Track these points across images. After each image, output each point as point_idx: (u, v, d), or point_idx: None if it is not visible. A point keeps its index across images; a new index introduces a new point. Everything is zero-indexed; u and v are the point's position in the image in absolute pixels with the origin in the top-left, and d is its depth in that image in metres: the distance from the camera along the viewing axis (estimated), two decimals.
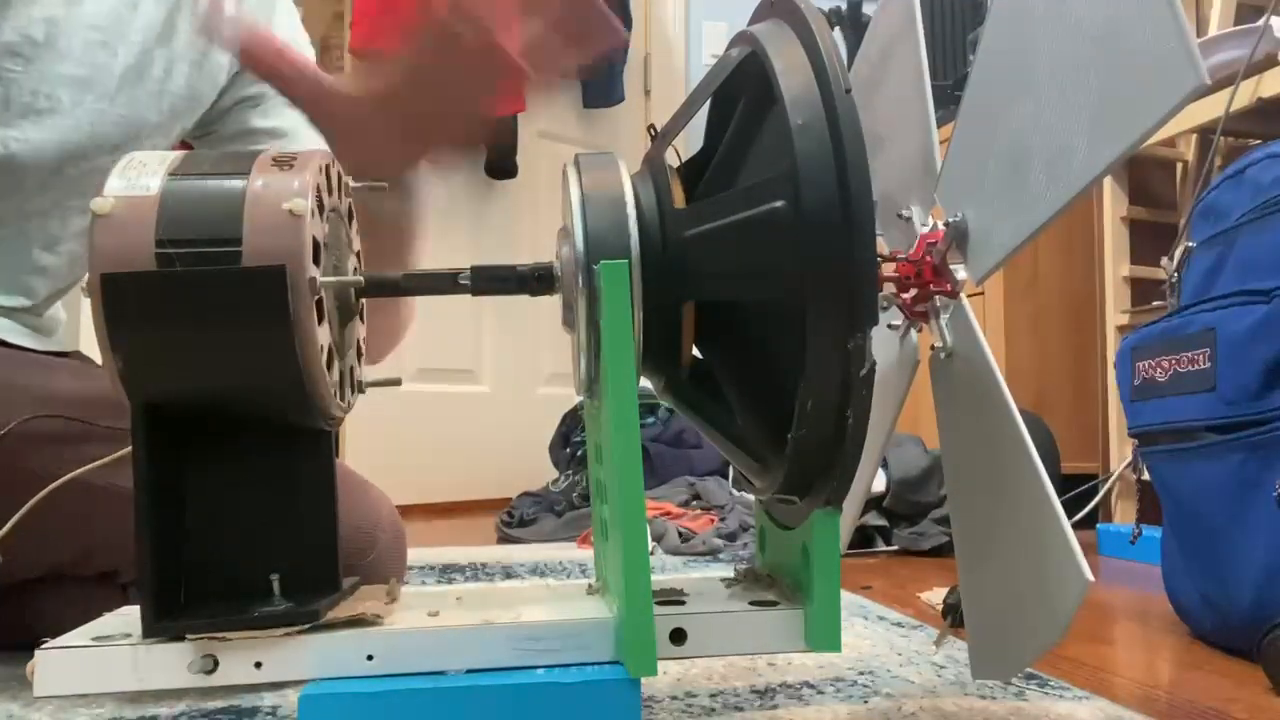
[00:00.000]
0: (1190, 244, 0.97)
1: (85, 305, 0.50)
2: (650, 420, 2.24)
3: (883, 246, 0.63)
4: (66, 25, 0.84)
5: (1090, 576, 0.47)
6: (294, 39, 0.99)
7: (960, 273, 0.57)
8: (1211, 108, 1.50)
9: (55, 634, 0.53)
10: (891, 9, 0.68)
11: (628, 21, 2.89)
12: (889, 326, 0.64)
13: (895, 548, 1.58)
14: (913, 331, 0.63)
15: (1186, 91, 0.42)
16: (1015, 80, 0.54)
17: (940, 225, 0.59)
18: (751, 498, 0.62)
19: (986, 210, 0.55)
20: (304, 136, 0.96)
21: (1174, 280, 0.99)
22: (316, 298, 0.50)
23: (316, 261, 0.51)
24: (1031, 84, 0.52)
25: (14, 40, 0.81)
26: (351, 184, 0.60)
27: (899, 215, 0.62)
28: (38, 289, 0.92)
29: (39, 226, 0.89)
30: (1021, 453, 0.52)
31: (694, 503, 1.89)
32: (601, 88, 2.86)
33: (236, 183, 0.50)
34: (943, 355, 0.59)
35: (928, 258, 0.58)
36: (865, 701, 0.69)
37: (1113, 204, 1.83)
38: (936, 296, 0.59)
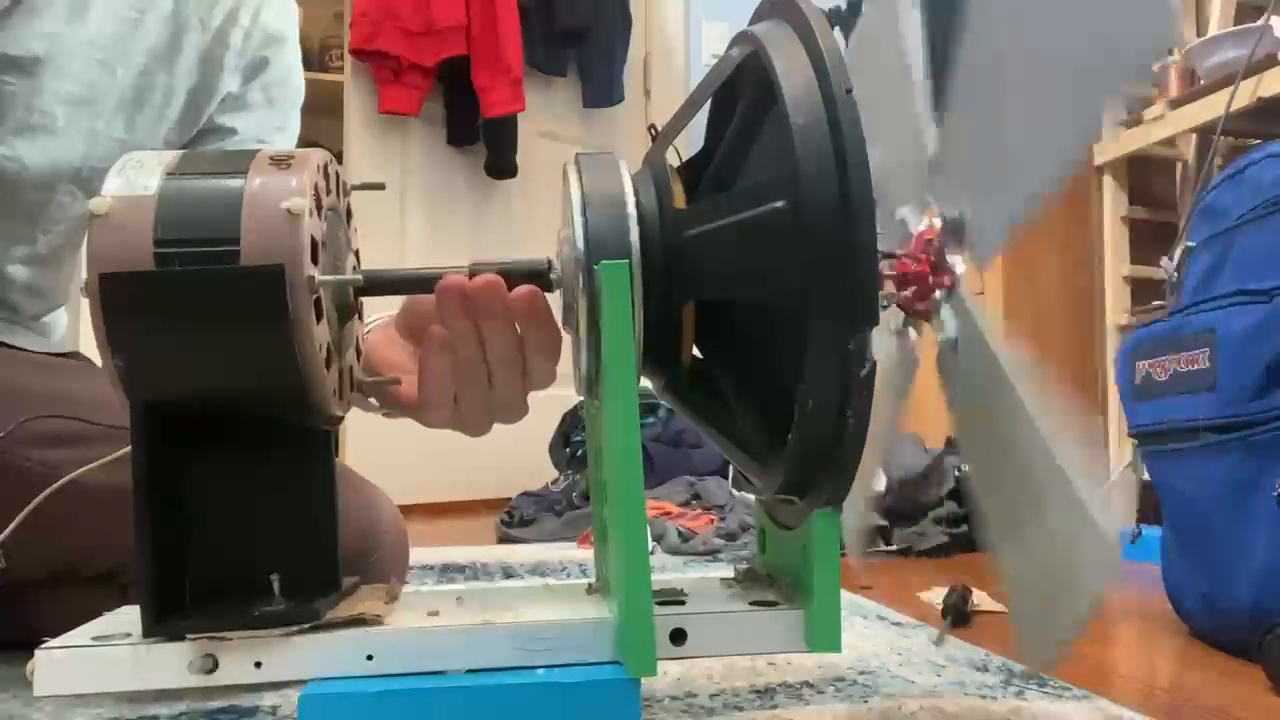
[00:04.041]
0: (1190, 244, 0.97)
1: (85, 305, 0.50)
2: (650, 420, 2.24)
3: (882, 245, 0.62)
4: (67, 43, 0.83)
5: (1118, 552, 0.48)
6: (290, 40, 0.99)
7: (959, 265, 0.56)
8: (1211, 108, 1.50)
9: (55, 634, 0.53)
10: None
11: (627, 21, 2.89)
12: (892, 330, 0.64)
13: (895, 548, 1.58)
14: (911, 330, 0.62)
15: (1160, 45, 0.43)
16: (999, 65, 0.54)
17: (935, 222, 0.58)
18: (751, 498, 0.62)
19: (983, 199, 0.55)
20: (250, 142, 0.96)
21: (1174, 280, 0.99)
22: (315, 297, 0.50)
23: (315, 260, 0.50)
24: (1014, 66, 0.53)
25: (13, 54, 0.80)
26: (350, 185, 0.60)
27: (892, 217, 0.61)
28: (23, 305, 0.91)
29: (26, 243, 0.88)
30: (1036, 438, 0.52)
31: (694, 503, 1.89)
32: (601, 88, 2.86)
33: (234, 182, 0.50)
34: (950, 348, 0.58)
35: (924, 255, 0.58)
36: (865, 701, 0.68)
37: (1113, 204, 1.83)
38: (937, 291, 0.58)
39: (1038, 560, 0.57)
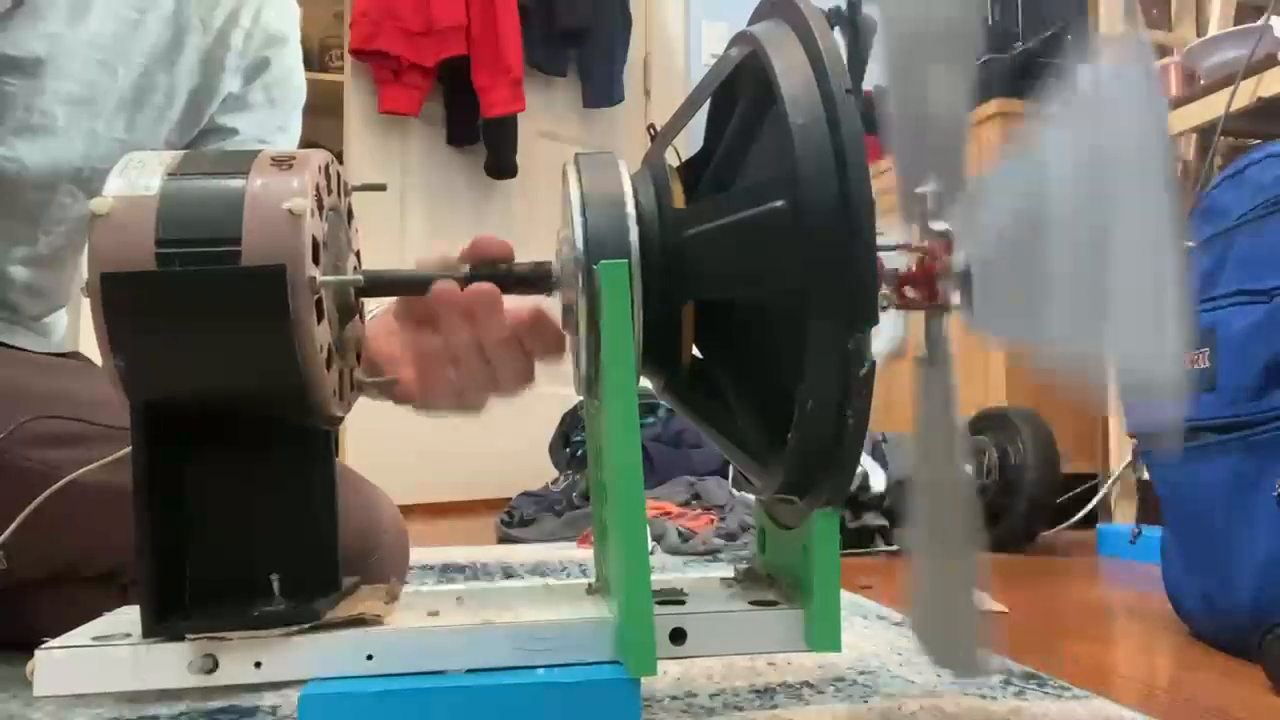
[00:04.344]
0: (1190, 244, 0.97)
1: (85, 305, 0.50)
2: (650, 420, 2.24)
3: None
4: (68, 43, 0.83)
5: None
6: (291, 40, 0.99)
7: (942, 225, 0.53)
8: (1211, 108, 1.51)
9: (55, 634, 0.53)
10: None
11: (627, 21, 2.89)
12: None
13: (895, 548, 1.58)
14: (937, 326, 0.59)
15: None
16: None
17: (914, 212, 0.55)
18: (751, 498, 0.62)
19: (927, 160, 0.52)
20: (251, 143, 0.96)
21: None
22: (316, 297, 0.50)
23: (316, 261, 0.51)
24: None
25: (14, 54, 0.80)
26: (351, 186, 0.60)
27: (915, 191, 0.54)
28: (24, 306, 0.91)
29: (27, 244, 0.88)
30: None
31: (694, 503, 1.89)
32: (601, 88, 2.86)
33: (236, 182, 0.50)
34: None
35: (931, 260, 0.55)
36: (865, 701, 0.68)
37: None
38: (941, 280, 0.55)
39: (937, 585, 0.57)
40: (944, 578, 0.57)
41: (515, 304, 0.58)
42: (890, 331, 0.55)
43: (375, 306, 0.66)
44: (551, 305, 0.57)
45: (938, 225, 0.52)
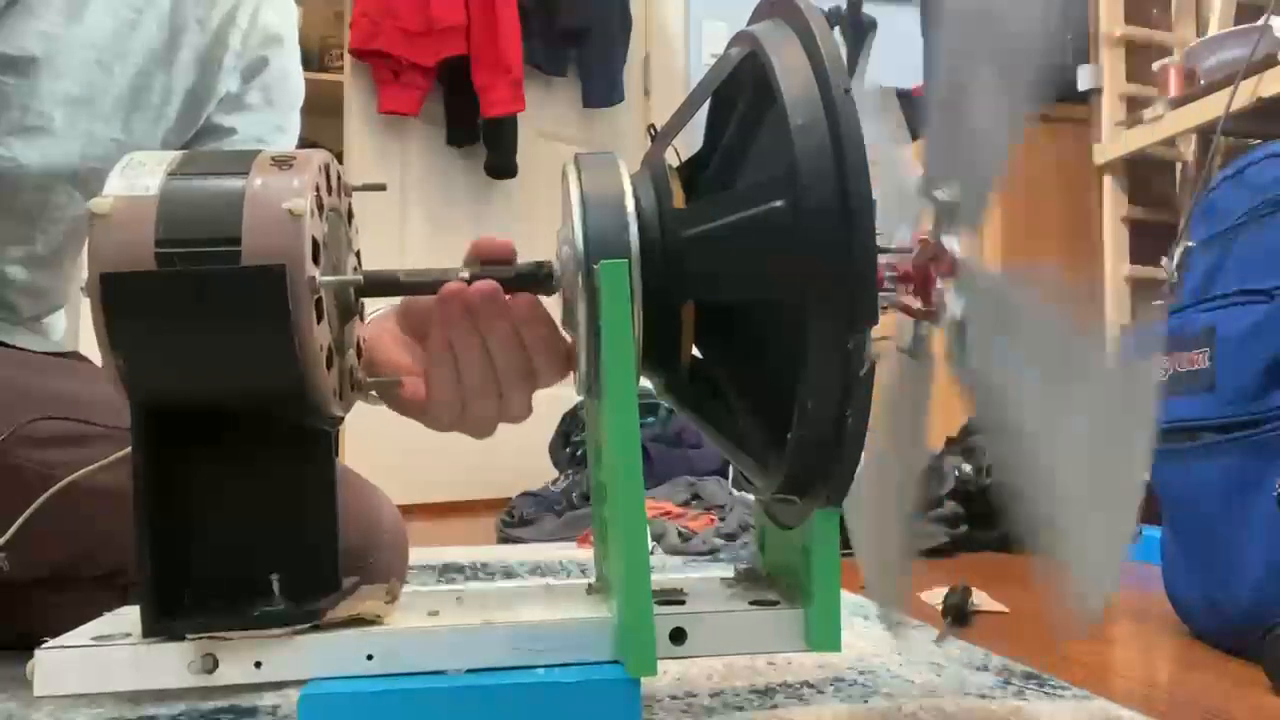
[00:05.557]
0: (1190, 244, 0.97)
1: (85, 305, 0.50)
2: (650, 420, 2.24)
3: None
4: (65, 43, 0.83)
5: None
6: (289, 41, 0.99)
7: (955, 245, 0.55)
8: (1211, 108, 1.51)
9: (55, 634, 0.53)
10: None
11: (627, 21, 2.89)
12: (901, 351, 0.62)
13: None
14: (922, 339, 0.60)
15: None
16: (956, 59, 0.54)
17: (925, 223, 0.57)
18: (751, 498, 0.61)
19: (963, 173, 0.54)
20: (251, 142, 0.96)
21: (1174, 280, 0.99)
22: (316, 297, 0.50)
23: (316, 261, 0.51)
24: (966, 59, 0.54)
25: (10, 54, 0.80)
26: (351, 186, 0.60)
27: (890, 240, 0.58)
28: (22, 306, 0.91)
29: (24, 244, 0.88)
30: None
31: (694, 503, 1.89)
32: (601, 88, 2.86)
33: (236, 182, 0.50)
34: (960, 328, 0.56)
35: (922, 254, 0.56)
36: (865, 701, 0.68)
37: (1113, 204, 1.83)
38: (940, 281, 0.56)
39: (1084, 493, 0.55)
40: (887, 530, 0.60)
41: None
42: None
43: (373, 310, 0.66)
44: (552, 305, 0.57)
45: (948, 241, 0.52)
